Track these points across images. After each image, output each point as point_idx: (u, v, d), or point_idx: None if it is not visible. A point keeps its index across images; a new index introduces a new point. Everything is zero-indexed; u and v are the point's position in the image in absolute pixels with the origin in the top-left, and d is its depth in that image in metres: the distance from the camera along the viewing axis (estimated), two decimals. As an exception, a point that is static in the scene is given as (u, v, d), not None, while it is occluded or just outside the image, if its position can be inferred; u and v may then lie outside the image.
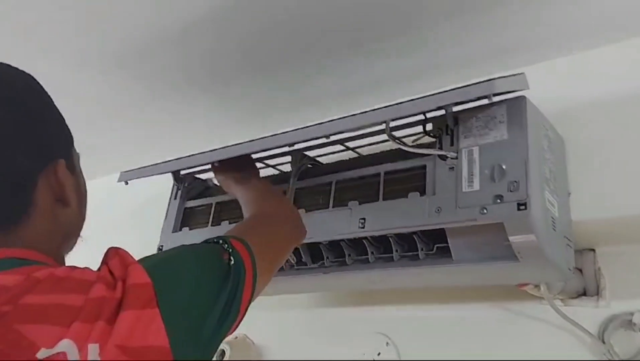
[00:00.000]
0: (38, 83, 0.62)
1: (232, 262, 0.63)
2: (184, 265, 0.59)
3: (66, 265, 0.60)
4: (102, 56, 1.09)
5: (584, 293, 1.03)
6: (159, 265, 0.56)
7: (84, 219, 0.65)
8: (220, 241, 0.65)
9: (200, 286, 0.57)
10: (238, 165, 1.00)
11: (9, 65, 0.61)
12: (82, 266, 0.54)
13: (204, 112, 1.28)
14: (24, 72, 0.61)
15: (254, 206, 0.89)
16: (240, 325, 0.63)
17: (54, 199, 0.59)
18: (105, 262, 0.55)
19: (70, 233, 0.62)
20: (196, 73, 1.14)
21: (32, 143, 0.59)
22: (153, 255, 0.59)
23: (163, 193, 1.23)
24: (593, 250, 1.03)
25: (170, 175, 1.18)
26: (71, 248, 0.64)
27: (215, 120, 1.31)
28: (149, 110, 1.28)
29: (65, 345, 0.47)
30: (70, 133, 0.65)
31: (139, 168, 1.08)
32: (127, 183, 1.07)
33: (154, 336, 0.49)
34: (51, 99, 0.63)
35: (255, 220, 0.84)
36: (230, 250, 0.64)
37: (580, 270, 1.03)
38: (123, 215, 1.53)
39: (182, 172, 1.17)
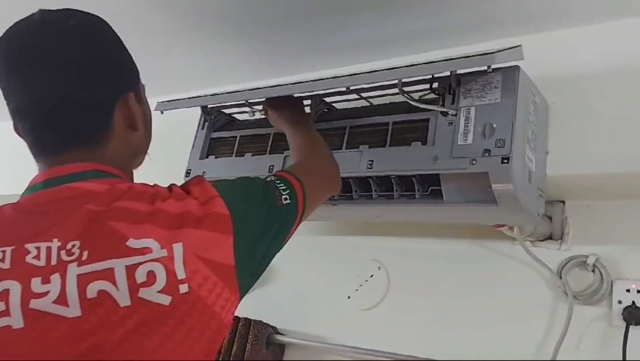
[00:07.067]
0: (108, 25, 0.73)
1: (287, 202, 0.76)
2: (252, 202, 0.73)
3: (134, 179, 0.74)
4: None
5: (551, 237, 1.20)
6: (235, 199, 0.69)
7: (149, 141, 0.77)
8: (279, 182, 0.78)
9: (261, 221, 0.71)
10: (292, 107, 1.10)
11: (82, 11, 0.71)
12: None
13: (232, 51, 1.38)
14: (95, 15, 0.72)
15: (307, 151, 0.99)
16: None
17: (126, 125, 0.72)
18: (188, 185, 0.70)
19: (138, 152, 0.75)
20: (229, 13, 1.23)
21: (111, 78, 0.71)
22: (227, 183, 0.73)
23: (186, 120, 1.35)
24: (563, 202, 1.20)
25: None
26: (139, 164, 0.76)
27: (241, 60, 1.41)
28: (180, 44, 1.38)
29: (150, 242, 0.60)
30: (136, 68, 0.76)
31: (175, 100, 1.21)
32: (162, 112, 1.19)
33: (224, 255, 0.65)
34: (120, 39, 0.74)
35: (310, 166, 0.94)
36: (288, 192, 0.77)
37: (550, 218, 1.20)
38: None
39: (210, 106, 1.29)
